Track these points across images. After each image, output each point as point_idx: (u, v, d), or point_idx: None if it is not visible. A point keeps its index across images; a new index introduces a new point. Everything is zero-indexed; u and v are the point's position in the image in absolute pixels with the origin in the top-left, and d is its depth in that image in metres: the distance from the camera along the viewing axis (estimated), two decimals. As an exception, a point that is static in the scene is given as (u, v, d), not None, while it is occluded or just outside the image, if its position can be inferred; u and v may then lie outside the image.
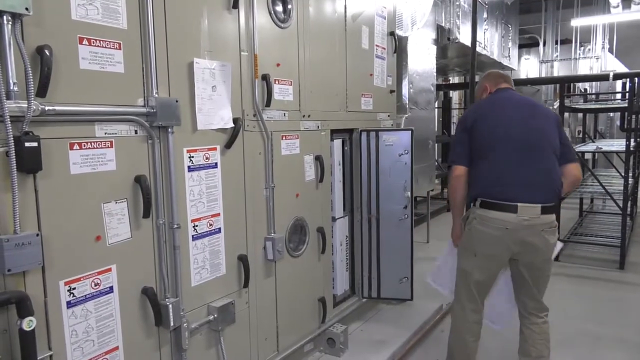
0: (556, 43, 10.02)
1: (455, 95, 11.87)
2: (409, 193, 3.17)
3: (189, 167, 2.03)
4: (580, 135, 7.59)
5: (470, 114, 2.56)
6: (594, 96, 8.61)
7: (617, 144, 5.96)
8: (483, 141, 2.42)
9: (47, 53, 1.47)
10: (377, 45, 3.39)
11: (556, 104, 8.03)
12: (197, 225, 2.09)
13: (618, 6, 8.55)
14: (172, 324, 1.92)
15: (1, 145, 1.41)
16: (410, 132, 3.18)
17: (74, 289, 1.63)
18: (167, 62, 1.89)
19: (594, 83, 9.81)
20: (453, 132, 11.93)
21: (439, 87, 8.05)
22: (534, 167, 2.33)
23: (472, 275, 2.45)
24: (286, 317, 2.65)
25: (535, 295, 2.49)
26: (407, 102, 4.42)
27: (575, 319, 3.68)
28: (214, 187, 2.16)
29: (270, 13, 2.41)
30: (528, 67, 10.28)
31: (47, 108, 1.48)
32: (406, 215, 3.17)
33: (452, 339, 2.62)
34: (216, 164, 2.16)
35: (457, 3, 5.25)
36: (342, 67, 3.03)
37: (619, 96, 7.64)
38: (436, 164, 5.93)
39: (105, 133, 1.70)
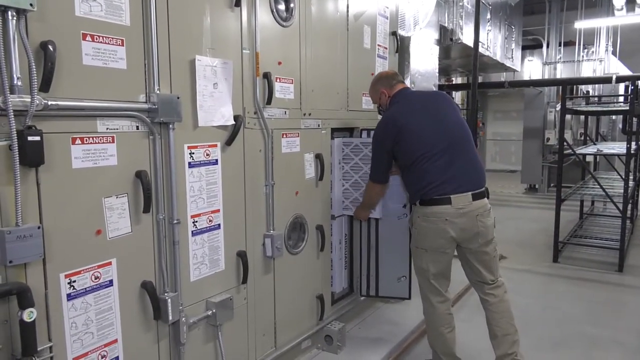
0: (560, 45, 9.99)
1: (457, 96, 11.88)
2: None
3: (189, 163, 2.05)
4: (582, 138, 7.60)
5: (388, 133, 2.58)
6: (596, 99, 8.60)
7: (618, 147, 5.96)
8: (410, 155, 2.54)
9: (51, 48, 1.49)
10: (379, 45, 3.40)
11: (558, 106, 8.02)
12: (196, 221, 2.11)
13: (622, 9, 8.54)
14: (170, 318, 1.94)
15: (4, 139, 1.44)
16: None
17: (74, 281, 1.65)
18: (169, 59, 1.91)
19: (596, 85, 9.79)
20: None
21: (441, 88, 8.03)
22: (460, 162, 2.52)
23: (429, 270, 2.57)
24: (284, 314, 2.68)
25: (487, 278, 2.62)
26: (409, 102, 4.42)
27: (572, 321, 3.69)
28: (214, 183, 2.18)
29: (272, 11, 2.42)
30: (531, 68, 10.25)
31: (50, 103, 1.51)
32: (405, 214, 3.18)
33: (430, 337, 2.71)
34: (216, 160, 2.18)
35: (461, 4, 5.25)
36: (344, 66, 3.05)
37: (621, 99, 7.63)
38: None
39: (107, 128, 1.72)
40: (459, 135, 2.58)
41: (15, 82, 1.45)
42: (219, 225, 2.22)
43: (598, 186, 5.29)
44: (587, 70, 9.86)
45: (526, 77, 10.04)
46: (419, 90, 2.73)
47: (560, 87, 7.94)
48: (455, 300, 3.77)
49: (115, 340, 1.81)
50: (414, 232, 2.63)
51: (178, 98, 1.92)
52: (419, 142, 2.52)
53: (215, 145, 2.17)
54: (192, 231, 2.09)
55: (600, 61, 9.72)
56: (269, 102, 2.42)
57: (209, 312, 2.18)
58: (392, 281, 3.28)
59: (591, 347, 3.28)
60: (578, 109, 6.70)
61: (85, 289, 1.69)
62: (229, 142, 2.22)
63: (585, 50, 9.95)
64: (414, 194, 2.59)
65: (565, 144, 5.28)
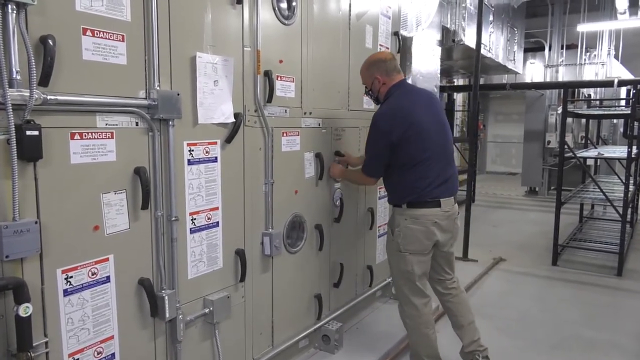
0: (562, 48, 9.98)
1: (459, 97, 11.87)
2: (338, 202, 3.03)
3: (188, 160, 2.04)
4: (583, 141, 7.59)
5: (397, 124, 2.45)
6: (597, 102, 8.59)
7: (619, 151, 5.94)
8: (416, 154, 2.49)
9: (51, 43, 1.49)
10: (380, 45, 3.39)
11: (559, 109, 8.02)
12: (195, 219, 2.10)
13: (625, 12, 8.52)
14: (167, 315, 1.94)
15: (3, 133, 1.43)
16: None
17: (71, 277, 1.65)
18: (169, 55, 1.91)
19: (598, 89, 9.79)
20: (456, 134, 11.93)
21: (442, 89, 8.04)
22: (450, 166, 2.61)
23: (414, 273, 2.56)
24: (282, 313, 2.67)
25: (449, 274, 2.79)
26: (410, 102, 4.42)
27: (570, 324, 3.68)
28: (213, 181, 2.17)
29: (274, 9, 2.42)
30: (533, 71, 10.25)
31: (49, 97, 1.50)
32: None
33: (413, 338, 2.69)
34: (216, 158, 2.18)
35: (463, 5, 5.25)
36: (345, 66, 3.04)
37: (623, 103, 7.63)
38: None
39: (106, 124, 1.71)
40: (449, 138, 2.66)
41: (14, 76, 1.44)
42: (218, 223, 2.21)
43: (598, 190, 5.28)
44: (589, 73, 9.85)
45: (528, 80, 10.03)
46: (413, 85, 2.73)
47: (562, 90, 7.93)
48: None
49: (112, 337, 1.80)
50: (397, 235, 2.55)
51: (178, 95, 1.91)
52: (427, 142, 2.49)
53: (215, 143, 2.17)
54: (190, 228, 2.08)
55: (602, 65, 9.71)
56: (269, 100, 2.42)
57: (206, 310, 2.18)
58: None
59: (589, 350, 3.28)
60: (579, 112, 6.70)
61: (82, 284, 1.68)
62: (228, 139, 2.22)
63: (588, 54, 9.94)
64: (405, 195, 2.54)
65: (566, 147, 5.28)
